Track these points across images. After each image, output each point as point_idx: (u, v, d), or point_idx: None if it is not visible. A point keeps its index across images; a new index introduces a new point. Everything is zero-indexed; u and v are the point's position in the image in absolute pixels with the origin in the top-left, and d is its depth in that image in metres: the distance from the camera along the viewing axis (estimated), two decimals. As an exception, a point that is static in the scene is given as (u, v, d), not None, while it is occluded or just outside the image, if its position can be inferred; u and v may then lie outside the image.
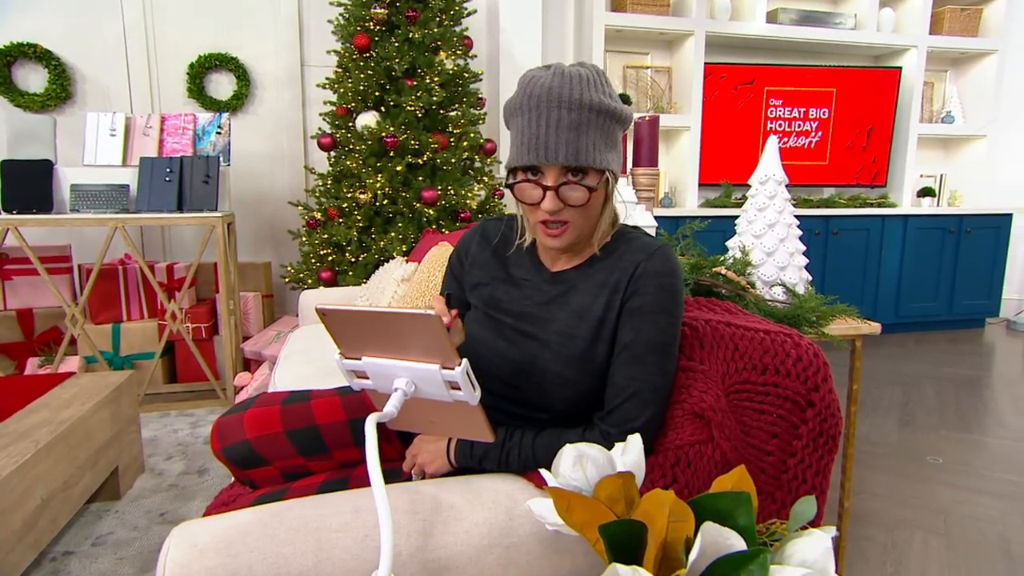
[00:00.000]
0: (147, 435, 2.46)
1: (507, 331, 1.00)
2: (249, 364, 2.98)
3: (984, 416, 2.79)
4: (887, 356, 3.75)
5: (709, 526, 0.52)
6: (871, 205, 4.33)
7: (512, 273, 1.04)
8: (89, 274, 2.92)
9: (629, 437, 0.73)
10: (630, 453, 0.69)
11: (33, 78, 3.31)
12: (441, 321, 0.68)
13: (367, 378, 0.79)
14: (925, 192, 4.46)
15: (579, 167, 0.88)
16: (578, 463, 0.64)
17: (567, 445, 0.67)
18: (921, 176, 4.55)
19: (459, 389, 0.75)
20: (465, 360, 0.73)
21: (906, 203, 4.42)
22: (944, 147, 4.73)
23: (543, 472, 0.71)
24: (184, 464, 2.23)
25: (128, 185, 2.73)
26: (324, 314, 0.74)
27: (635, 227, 1.02)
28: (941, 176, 4.52)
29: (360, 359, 0.77)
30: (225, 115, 2.94)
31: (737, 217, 1.57)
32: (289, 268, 3.05)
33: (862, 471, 2.23)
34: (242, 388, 2.64)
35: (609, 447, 0.80)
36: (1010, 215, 4.32)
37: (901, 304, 4.30)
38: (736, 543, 0.52)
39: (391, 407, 0.73)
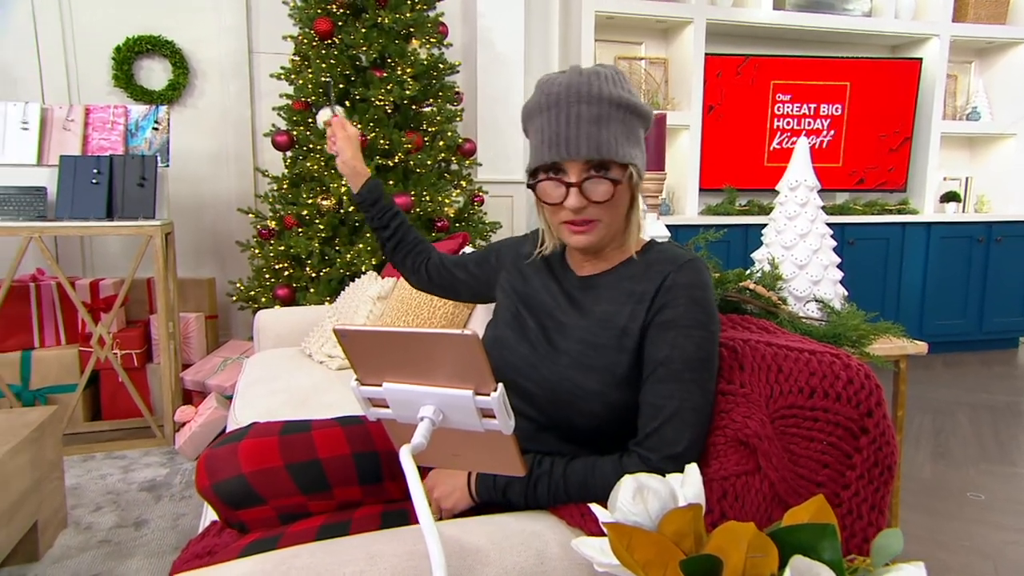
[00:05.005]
0: (69, 483, 2.40)
1: (531, 334, 1.07)
2: (191, 396, 2.94)
3: (1026, 446, 2.90)
4: (913, 380, 3.87)
5: (799, 560, 0.55)
6: (890, 211, 4.48)
7: (544, 273, 1.13)
8: (-7, 293, 2.86)
9: (687, 467, 0.76)
10: (689, 484, 0.72)
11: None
12: (480, 342, 0.71)
13: (386, 406, 0.81)
14: (949, 197, 4.63)
15: (602, 161, 0.96)
16: (639, 495, 0.67)
17: (625, 476, 0.70)
18: (945, 179, 4.72)
19: (493, 417, 0.77)
20: (501, 385, 0.75)
21: (928, 209, 4.58)
22: (970, 147, 4.93)
23: (594, 507, 0.73)
24: (116, 516, 2.19)
25: (45, 188, 2.69)
26: (343, 336, 0.75)
27: (671, 239, 1.08)
28: (967, 179, 4.70)
29: (381, 385, 0.79)
30: (163, 108, 2.93)
31: (742, 226, 1.63)
32: (239, 285, 3.03)
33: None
34: (184, 424, 2.60)
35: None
36: (1044, 222, 4.50)
37: (925, 322, 4.44)
38: (827, 578, 0.56)
39: (420, 437, 0.75)
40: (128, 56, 3.45)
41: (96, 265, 3.55)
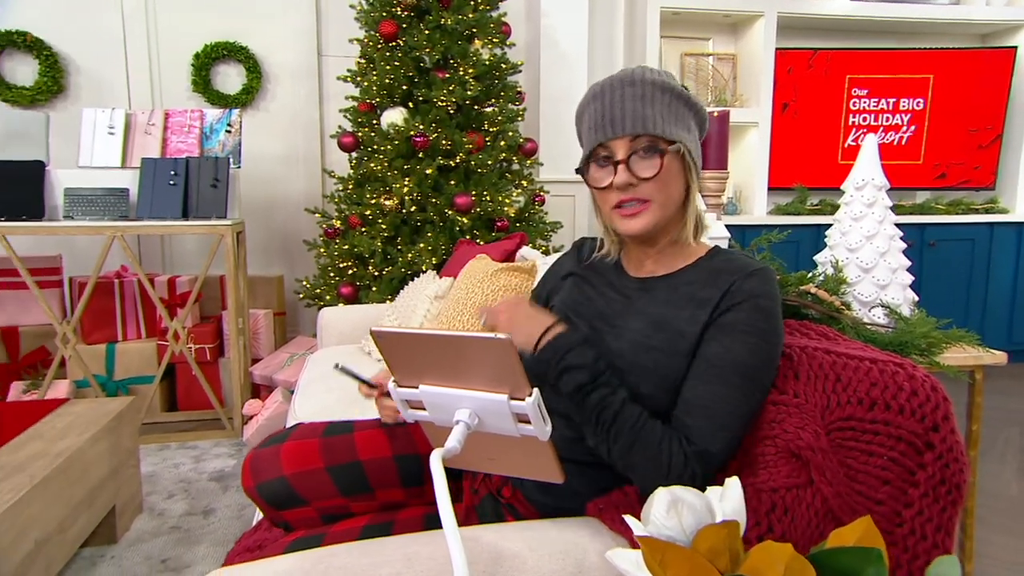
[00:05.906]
0: (145, 470, 2.52)
1: None
2: (259, 390, 3.04)
3: (1124, 464, 2.69)
4: (999, 390, 3.65)
5: (838, 585, 0.52)
6: (976, 211, 4.24)
7: (595, 280, 1.12)
8: (80, 288, 3.02)
9: (727, 480, 0.73)
10: (728, 499, 0.69)
11: (22, 70, 3.45)
12: (513, 345, 0.70)
13: (423, 408, 0.81)
14: (1044, 196, 4.35)
15: (648, 139, 0.97)
16: (673, 509, 0.64)
17: (659, 489, 0.68)
18: (1039, 176, 4.43)
19: (528, 422, 0.76)
20: (536, 390, 0.74)
21: (1021, 208, 4.31)
22: (1067, 142, 4.61)
23: (628, 519, 0.71)
24: (187, 504, 2.28)
25: (128, 189, 2.82)
26: (379, 337, 0.76)
27: (732, 240, 1.05)
28: (1064, 177, 4.40)
29: (417, 388, 0.79)
30: (236, 112, 3.03)
31: (813, 226, 1.56)
32: (305, 283, 3.11)
33: (978, 529, 2.17)
34: (252, 417, 2.69)
35: (685, 472, 0.87)
36: None
37: (1015, 329, 4.19)
38: (869, 606, 0.52)
39: (454, 442, 0.74)
40: (206, 62, 3.59)
41: (175, 262, 3.71)
